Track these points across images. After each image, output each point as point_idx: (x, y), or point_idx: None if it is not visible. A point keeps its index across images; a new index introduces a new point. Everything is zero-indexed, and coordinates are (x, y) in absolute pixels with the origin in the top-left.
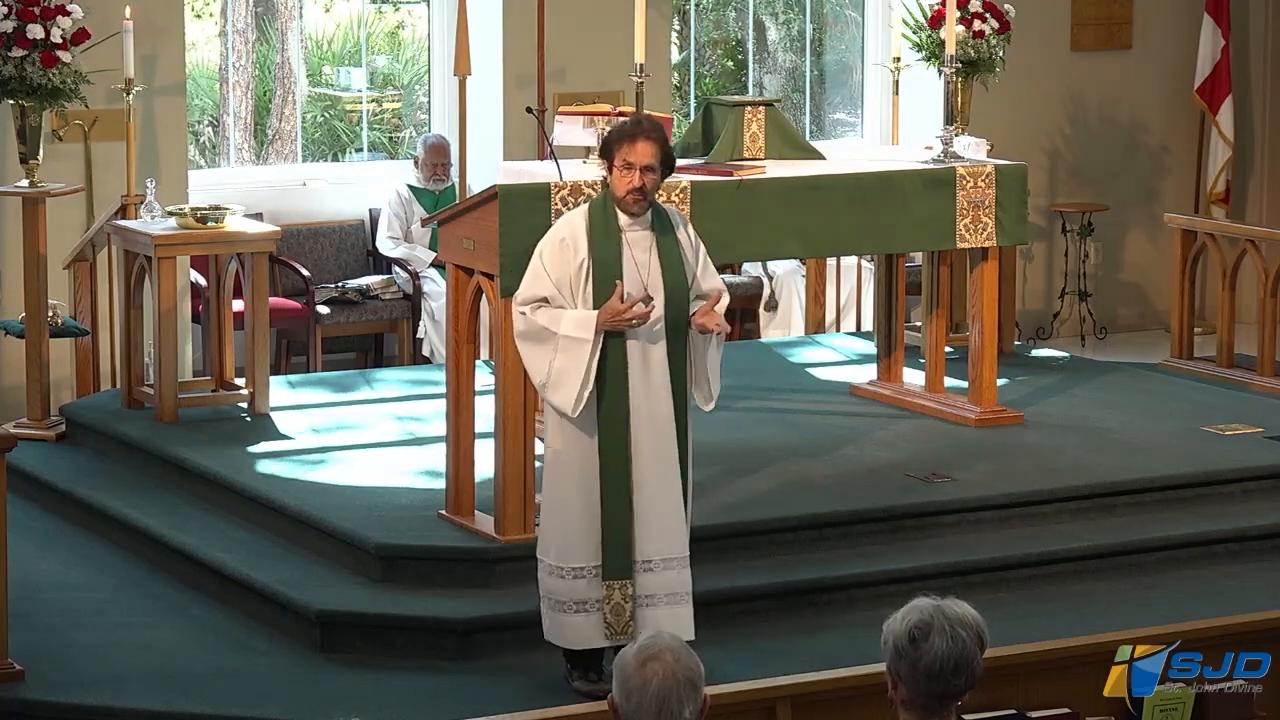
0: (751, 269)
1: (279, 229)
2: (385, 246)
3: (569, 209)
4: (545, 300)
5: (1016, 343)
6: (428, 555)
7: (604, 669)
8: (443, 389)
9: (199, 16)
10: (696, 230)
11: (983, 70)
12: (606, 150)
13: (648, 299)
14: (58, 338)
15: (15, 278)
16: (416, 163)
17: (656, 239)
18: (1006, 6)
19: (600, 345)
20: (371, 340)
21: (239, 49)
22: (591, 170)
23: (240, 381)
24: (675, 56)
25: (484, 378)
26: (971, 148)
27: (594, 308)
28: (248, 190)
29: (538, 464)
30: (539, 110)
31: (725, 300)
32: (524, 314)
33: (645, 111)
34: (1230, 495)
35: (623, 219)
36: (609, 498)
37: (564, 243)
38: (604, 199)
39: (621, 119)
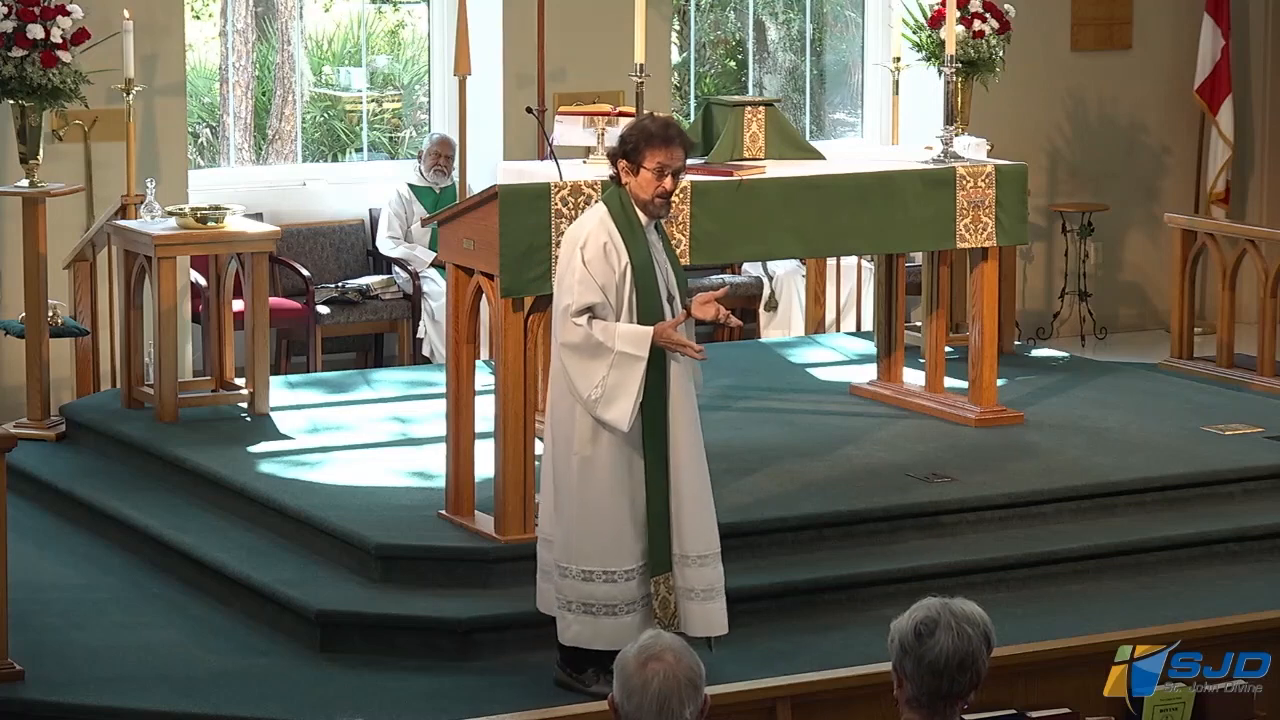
0: (751, 269)
1: (279, 229)
2: (385, 246)
3: (569, 209)
4: (591, 309)
5: (1016, 343)
6: (427, 555)
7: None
8: (443, 389)
9: (199, 17)
10: (695, 230)
11: (983, 70)
12: (633, 153)
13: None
14: (58, 338)
15: (15, 278)
16: (420, 156)
17: (661, 240)
18: (1006, 6)
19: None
20: (371, 340)
21: (239, 49)
22: (591, 170)
23: (240, 381)
24: (675, 57)
25: (484, 378)
26: (971, 148)
27: (637, 314)
28: (248, 190)
29: (536, 464)
30: (539, 110)
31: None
32: (580, 325)
33: (658, 112)
34: (1230, 495)
35: (642, 220)
36: (655, 496)
37: (607, 248)
38: (620, 201)
39: (639, 121)
